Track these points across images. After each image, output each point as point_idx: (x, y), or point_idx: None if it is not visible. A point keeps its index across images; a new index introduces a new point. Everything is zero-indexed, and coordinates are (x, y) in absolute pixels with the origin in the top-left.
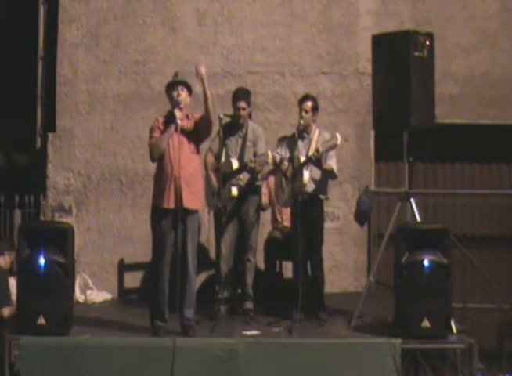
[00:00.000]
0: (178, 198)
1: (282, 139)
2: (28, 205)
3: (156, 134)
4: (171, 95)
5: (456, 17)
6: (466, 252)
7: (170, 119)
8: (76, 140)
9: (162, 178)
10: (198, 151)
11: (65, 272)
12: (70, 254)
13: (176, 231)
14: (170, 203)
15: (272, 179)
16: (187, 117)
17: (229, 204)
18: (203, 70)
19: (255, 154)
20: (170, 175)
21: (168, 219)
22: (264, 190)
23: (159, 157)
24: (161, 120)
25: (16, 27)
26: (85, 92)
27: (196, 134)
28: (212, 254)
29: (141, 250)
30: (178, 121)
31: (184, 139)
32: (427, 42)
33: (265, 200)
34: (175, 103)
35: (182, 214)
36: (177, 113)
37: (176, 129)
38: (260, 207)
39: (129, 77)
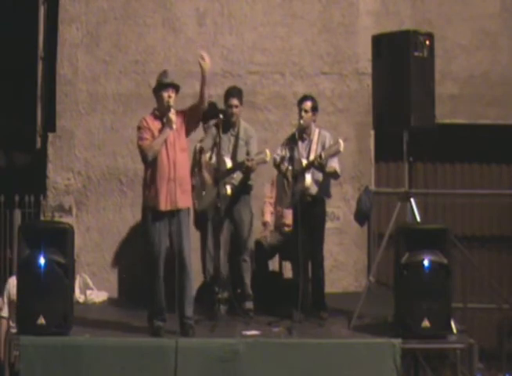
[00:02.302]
0: (173, 199)
1: (283, 143)
2: (28, 205)
3: (147, 135)
4: (161, 96)
5: (456, 17)
6: (466, 252)
7: (164, 122)
8: (76, 140)
9: (158, 179)
10: (187, 147)
11: (65, 272)
12: (70, 254)
13: (171, 230)
14: (167, 205)
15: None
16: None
17: (222, 203)
18: (207, 58)
19: (248, 153)
20: (166, 177)
21: (164, 220)
22: (267, 209)
23: (153, 158)
24: (149, 119)
25: (16, 27)
26: (85, 92)
27: (186, 128)
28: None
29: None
30: (174, 126)
31: (177, 140)
32: (427, 42)
33: (266, 218)
34: (166, 105)
35: (177, 213)
36: (173, 116)
37: (171, 128)
38: (262, 224)
39: (129, 77)
